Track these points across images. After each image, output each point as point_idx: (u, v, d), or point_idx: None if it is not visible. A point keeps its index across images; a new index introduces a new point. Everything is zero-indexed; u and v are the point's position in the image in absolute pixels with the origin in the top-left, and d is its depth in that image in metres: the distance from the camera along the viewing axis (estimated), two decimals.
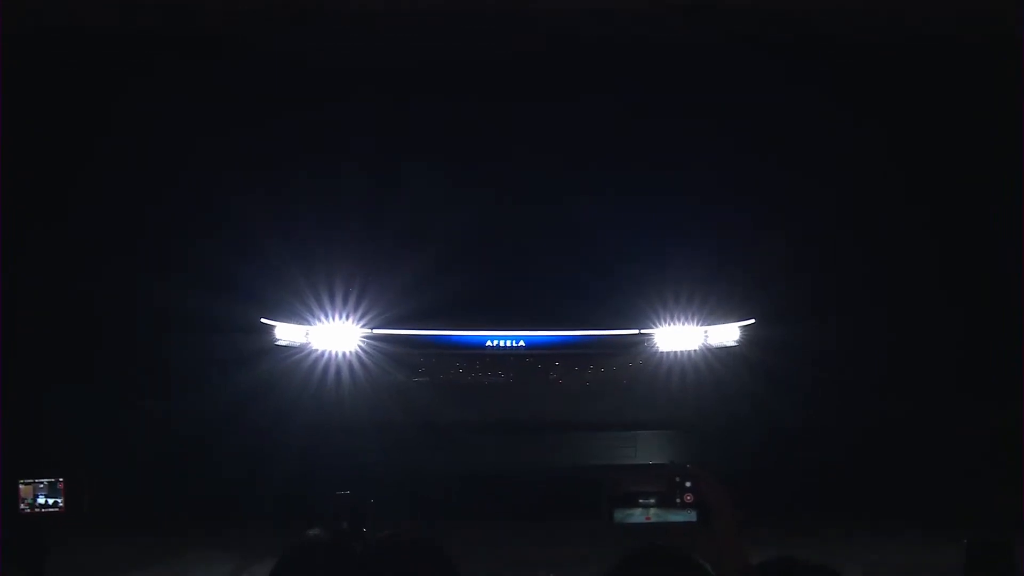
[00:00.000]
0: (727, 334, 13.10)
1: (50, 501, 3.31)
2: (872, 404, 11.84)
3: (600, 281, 12.97)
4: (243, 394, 12.10)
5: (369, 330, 13.40)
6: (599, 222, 13.04)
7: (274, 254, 12.62)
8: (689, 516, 1.93)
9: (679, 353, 12.92)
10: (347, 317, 13.38)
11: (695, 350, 12.94)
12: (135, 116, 12.30)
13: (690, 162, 12.58)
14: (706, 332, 13.05)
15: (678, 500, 1.94)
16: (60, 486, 3.31)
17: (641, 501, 1.95)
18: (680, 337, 12.98)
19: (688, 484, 1.94)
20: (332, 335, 13.35)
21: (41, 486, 3.31)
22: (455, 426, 12.70)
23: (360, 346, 13.42)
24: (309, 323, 13.31)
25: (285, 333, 13.40)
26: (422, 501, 11.79)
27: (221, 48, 12.13)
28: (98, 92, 12.07)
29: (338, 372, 13.31)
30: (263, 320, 13.22)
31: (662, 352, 13.00)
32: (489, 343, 13.19)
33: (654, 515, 1.94)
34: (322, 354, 13.34)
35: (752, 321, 12.94)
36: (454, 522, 8.97)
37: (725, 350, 12.96)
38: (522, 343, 13.15)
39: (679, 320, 12.96)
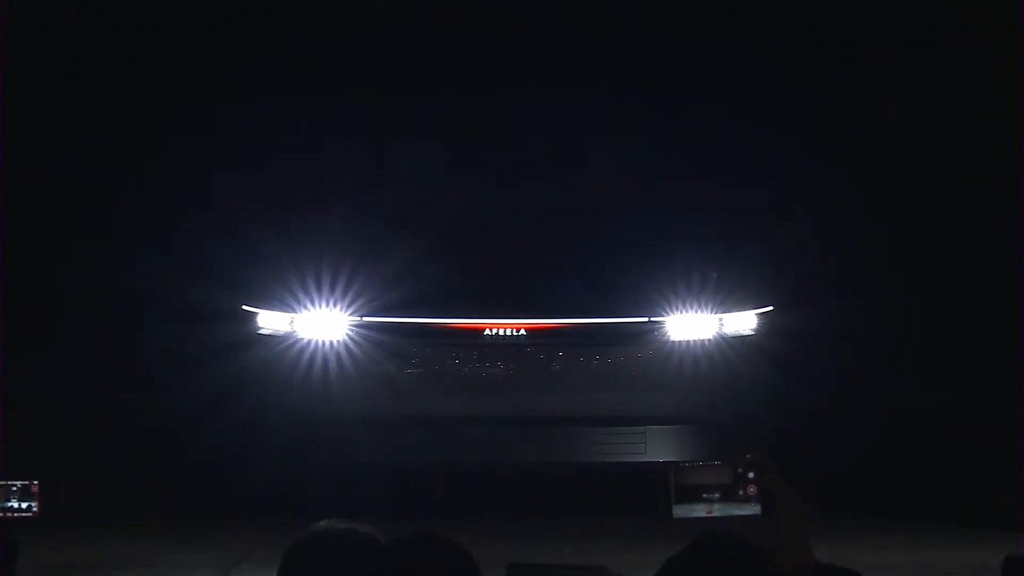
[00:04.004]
0: (743, 322, 13.02)
1: (23, 505, 3.18)
2: (897, 397, 11.80)
3: (607, 266, 12.89)
4: (224, 388, 12.00)
5: (358, 318, 13.30)
6: (606, 203, 12.95)
7: (257, 236, 12.49)
8: (752, 509, 1.89)
9: (692, 343, 12.84)
10: (335, 304, 13.29)
11: (709, 339, 12.88)
12: (110, 93, 12.15)
13: (703, 141, 12.47)
14: (721, 320, 12.99)
15: (740, 492, 1.90)
16: (34, 489, 3.18)
17: (705, 496, 1.90)
18: (693, 325, 12.91)
19: (751, 475, 1.89)
20: (319, 323, 13.25)
21: (13, 489, 3.19)
22: (450, 421, 12.63)
23: (349, 335, 13.31)
24: (294, 310, 13.23)
25: (268, 321, 13.29)
26: (415, 498, 11.75)
27: (206, 25, 12.01)
28: (72, 68, 11.93)
29: (325, 363, 13.22)
30: (245, 307, 13.12)
31: (673, 341, 12.93)
32: (487, 332, 13.12)
33: (717, 510, 1.90)
34: (308, 344, 13.24)
35: (770, 308, 12.93)
36: (449, 521, 8.84)
37: (741, 339, 12.90)
38: (523, 332, 13.07)
39: (692, 307, 12.92)
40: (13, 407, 10.69)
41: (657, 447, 12.67)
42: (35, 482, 3.22)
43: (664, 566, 1.78)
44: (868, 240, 12.86)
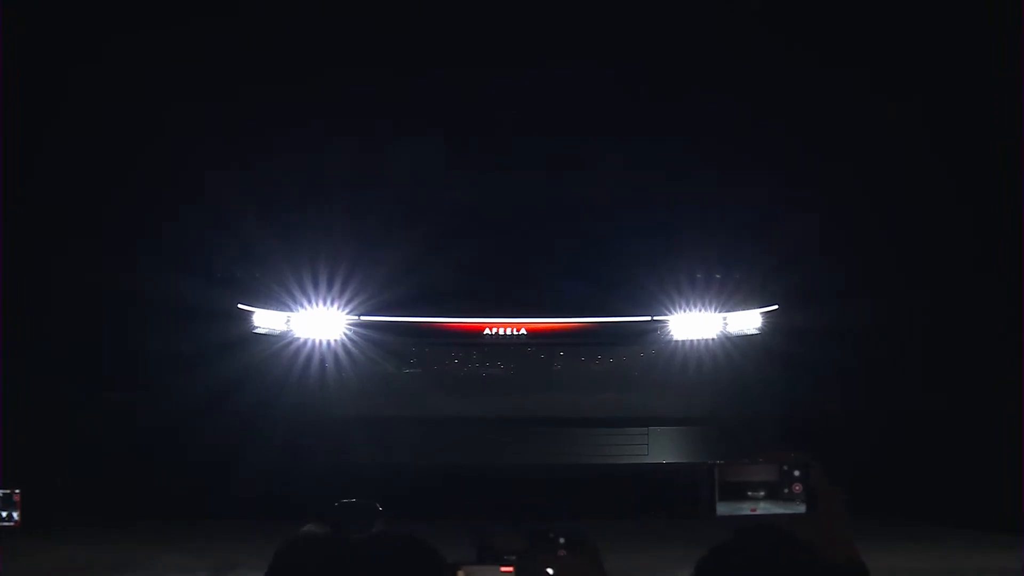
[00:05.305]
0: (748, 321, 12.94)
1: (4, 514, 3.05)
2: (907, 397, 11.74)
3: (609, 263, 12.79)
4: (221, 387, 11.91)
5: (356, 317, 13.20)
6: (608, 201, 12.86)
7: (252, 232, 12.39)
8: (797, 508, 1.85)
9: (695, 342, 12.75)
10: (332, 303, 13.19)
11: (713, 338, 12.79)
12: (102, 80, 12.06)
13: (707, 139, 12.38)
14: (725, 319, 12.89)
15: (786, 491, 1.86)
16: (16, 498, 3.05)
17: (750, 493, 1.86)
18: (697, 324, 12.83)
19: (797, 473, 1.85)
20: (316, 322, 13.15)
21: None
22: (449, 421, 12.53)
23: (346, 334, 13.21)
24: (291, 309, 13.13)
25: (264, 320, 13.20)
26: (414, 500, 11.64)
27: (204, 24, 11.95)
28: (63, 53, 11.85)
29: (322, 362, 13.13)
30: (240, 306, 13.02)
31: (677, 341, 12.85)
32: (487, 332, 13.02)
33: (761, 508, 1.86)
34: (305, 343, 13.14)
35: (775, 307, 12.84)
36: (448, 523, 8.74)
37: (746, 338, 12.80)
38: (523, 332, 12.98)
39: (696, 306, 12.83)
40: (8, 408, 10.61)
41: (659, 448, 12.58)
42: (16, 491, 3.08)
43: (708, 556, 1.74)
44: (873, 240, 12.79)
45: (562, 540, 2.00)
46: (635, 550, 8.74)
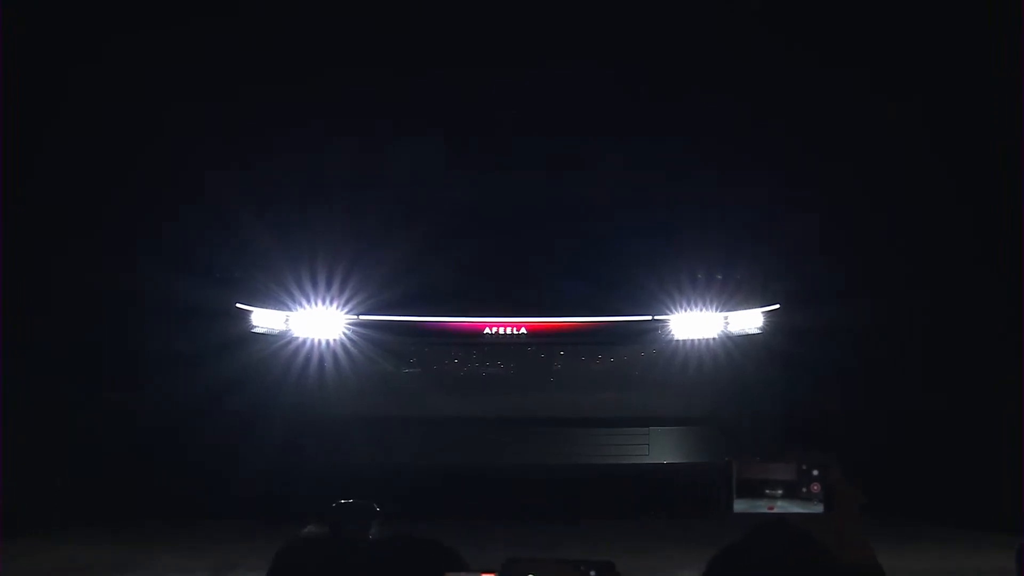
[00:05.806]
0: (749, 320, 12.89)
1: None
2: (907, 396, 11.74)
3: (610, 262, 12.76)
4: (219, 387, 11.90)
5: (355, 316, 13.16)
6: (609, 199, 12.84)
7: (251, 231, 12.37)
8: (815, 508, 1.87)
9: (696, 341, 12.70)
10: (331, 302, 13.16)
11: (714, 338, 12.75)
12: (102, 80, 12.06)
13: (709, 133, 12.37)
14: (726, 318, 12.85)
15: (804, 490, 1.88)
16: None
17: (767, 492, 1.88)
18: (698, 324, 12.79)
19: (815, 473, 1.88)
20: (315, 322, 13.11)
21: None
22: (449, 421, 12.51)
23: (345, 334, 13.17)
24: (289, 308, 13.10)
25: (263, 319, 13.16)
26: (413, 501, 11.64)
27: (201, 21, 11.96)
28: (63, 53, 11.85)
29: (321, 362, 13.10)
30: (239, 305, 13.00)
31: (678, 340, 12.80)
32: (487, 331, 13.00)
33: (779, 506, 1.89)
34: (304, 342, 13.11)
35: (777, 306, 12.81)
36: (449, 524, 8.74)
37: (747, 338, 12.76)
38: (523, 331, 12.96)
39: (696, 305, 12.79)
40: (8, 408, 10.59)
41: (660, 448, 12.55)
42: None
43: (719, 556, 1.75)
44: (873, 240, 12.79)
45: (592, 573, 1.98)
46: (636, 550, 8.75)
